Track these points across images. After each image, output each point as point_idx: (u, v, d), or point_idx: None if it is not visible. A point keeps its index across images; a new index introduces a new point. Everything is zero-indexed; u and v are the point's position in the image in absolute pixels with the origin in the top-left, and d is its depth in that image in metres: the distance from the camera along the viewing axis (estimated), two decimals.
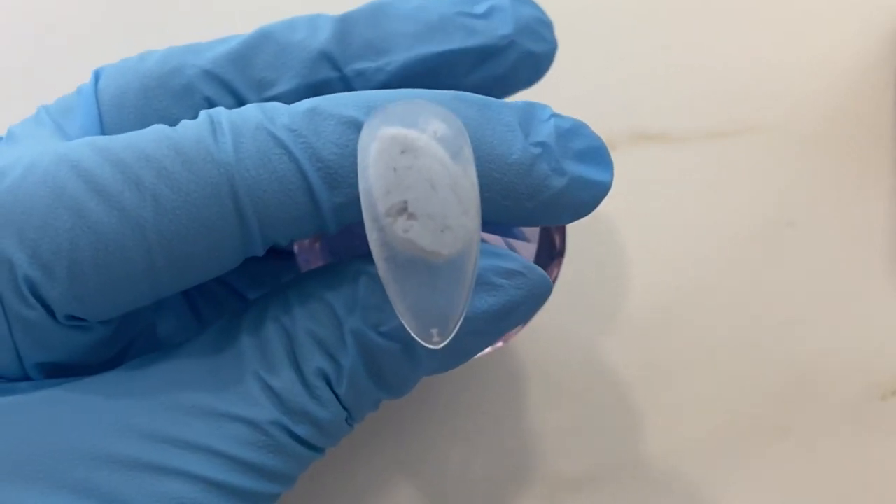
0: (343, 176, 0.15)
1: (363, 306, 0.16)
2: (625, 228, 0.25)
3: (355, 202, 0.15)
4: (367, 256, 0.16)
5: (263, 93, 0.18)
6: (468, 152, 0.15)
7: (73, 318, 0.15)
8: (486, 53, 0.19)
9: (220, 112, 0.15)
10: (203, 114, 0.15)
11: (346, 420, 0.16)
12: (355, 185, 0.15)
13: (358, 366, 0.16)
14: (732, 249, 0.25)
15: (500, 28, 0.19)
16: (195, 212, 0.15)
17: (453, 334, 0.15)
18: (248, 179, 0.15)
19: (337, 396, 0.16)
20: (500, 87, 0.19)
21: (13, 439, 0.15)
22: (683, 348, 0.24)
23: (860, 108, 0.26)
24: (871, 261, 0.25)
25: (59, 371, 0.16)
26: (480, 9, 0.19)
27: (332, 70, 0.18)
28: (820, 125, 0.26)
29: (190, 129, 0.15)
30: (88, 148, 0.15)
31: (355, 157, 0.15)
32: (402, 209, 0.14)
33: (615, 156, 0.26)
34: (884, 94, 0.26)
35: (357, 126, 0.15)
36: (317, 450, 0.16)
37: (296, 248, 0.20)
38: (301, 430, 0.16)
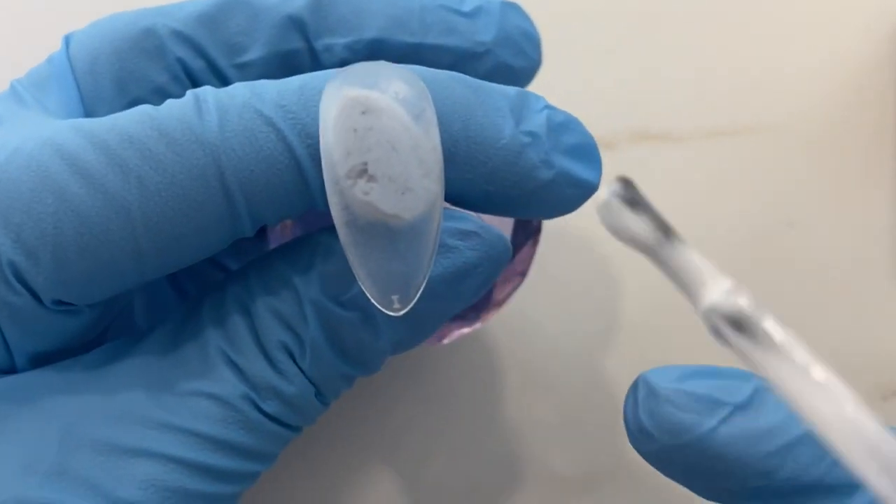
0: None
1: (321, 277, 0.16)
2: None
3: None
4: (330, 229, 0.16)
5: (235, 58, 0.17)
6: (430, 114, 0.14)
7: (60, 302, 0.15)
8: (459, 55, 0.18)
9: (207, 91, 0.15)
10: (189, 93, 0.15)
11: (316, 396, 0.16)
12: None
13: (319, 338, 0.16)
14: (732, 249, 0.25)
15: (480, 33, 0.18)
16: (181, 193, 0.14)
17: (414, 301, 0.15)
18: (235, 159, 0.14)
19: (302, 370, 0.16)
20: None
21: None
22: (682, 348, 0.24)
23: (861, 108, 0.26)
24: (871, 261, 0.25)
25: (50, 361, 0.16)
26: (467, 7, 0.18)
27: (301, 40, 0.17)
28: (820, 125, 0.26)
29: (174, 108, 0.15)
30: (72, 131, 0.15)
31: None
32: (363, 171, 0.14)
33: (615, 155, 0.26)
34: (885, 95, 0.26)
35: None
36: (290, 427, 0.16)
37: (268, 233, 0.20)
38: (269, 406, 0.16)
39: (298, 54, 0.18)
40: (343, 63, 0.17)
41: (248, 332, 0.16)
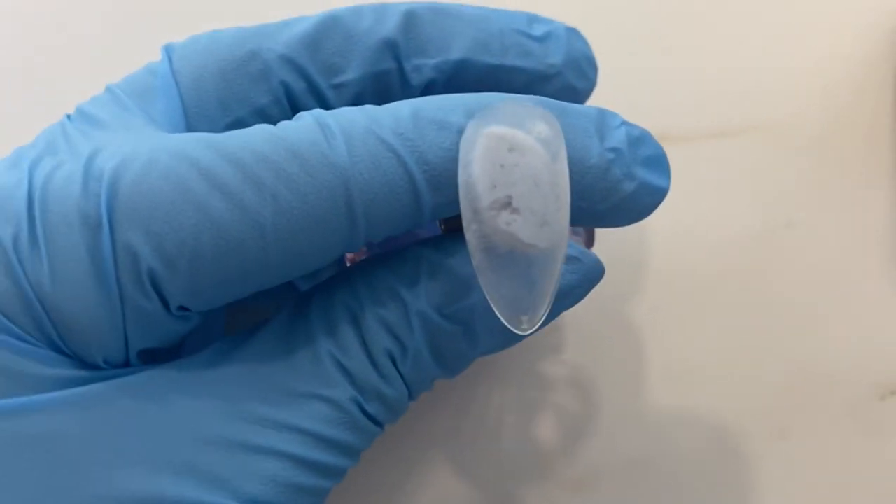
0: (446, 178, 0.16)
1: (427, 290, 0.17)
2: (624, 228, 0.25)
3: (453, 202, 0.16)
4: (424, 243, 0.17)
5: (332, 79, 0.18)
6: (564, 154, 0.15)
7: (182, 308, 0.16)
8: (532, 76, 0.19)
9: (325, 114, 0.16)
10: (307, 116, 0.16)
11: (408, 397, 0.17)
12: (454, 186, 0.16)
13: (422, 346, 0.17)
14: (732, 250, 0.25)
15: (551, 56, 0.20)
16: (310, 211, 0.15)
17: (542, 321, 0.16)
18: (362, 182, 0.15)
19: (401, 375, 0.17)
20: None
21: (118, 423, 0.16)
22: (682, 349, 0.24)
23: (860, 108, 0.26)
24: (870, 261, 0.25)
25: (154, 356, 0.17)
26: (538, 32, 0.20)
27: (393, 61, 0.18)
28: (819, 125, 0.26)
29: (302, 131, 0.16)
30: (202, 145, 0.15)
31: (456, 160, 0.16)
32: (507, 203, 0.15)
33: None
34: (884, 95, 0.26)
35: (458, 130, 0.16)
36: (381, 426, 0.17)
37: None
38: (371, 407, 0.17)
39: (390, 74, 0.19)
40: (431, 81, 0.19)
41: (356, 339, 0.17)
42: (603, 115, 0.17)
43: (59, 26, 0.26)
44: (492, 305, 0.15)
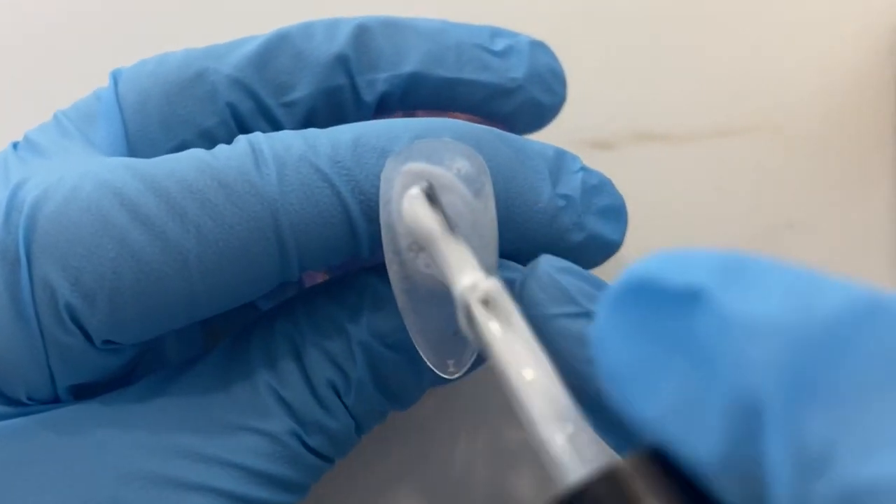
0: None
1: (370, 319, 0.16)
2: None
3: None
4: (369, 270, 0.17)
5: (282, 97, 0.18)
6: (489, 189, 0.15)
7: (108, 342, 0.15)
8: (492, 91, 0.19)
9: (261, 140, 0.16)
10: (243, 141, 0.16)
11: (355, 430, 0.17)
12: None
13: (365, 376, 0.16)
14: (733, 249, 0.25)
15: (512, 70, 0.19)
16: (238, 243, 0.15)
17: (468, 365, 0.15)
18: (292, 213, 0.15)
19: (346, 406, 0.16)
20: (499, 126, 0.20)
21: (43, 459, 0.15)
22: None
23: (861, 107, 0.26)
24: (872, 261, 0.25)
25: (86, 391, 0.16)
26: (498, 46, 0.19)
27: (345, 76, 0.18)
28: (820, 125, 0.26)
29: (232, 158, 0.15)
30: (129, 174, 0.15)
31: None
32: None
33: (615, 155, 0.26)
34: (884, 94, 0.26)
35: None
36: (327, 460, 0.17)
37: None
38: (313, 440, 0.16)
39: (342, 90, 0.18)
40: (385, 94, 0.18)
41: (297, 370, 0.16)
42: (562, 158, 0.17)
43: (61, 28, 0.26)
44: (417, 348, 0.15)
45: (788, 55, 0.27)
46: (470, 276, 0.13)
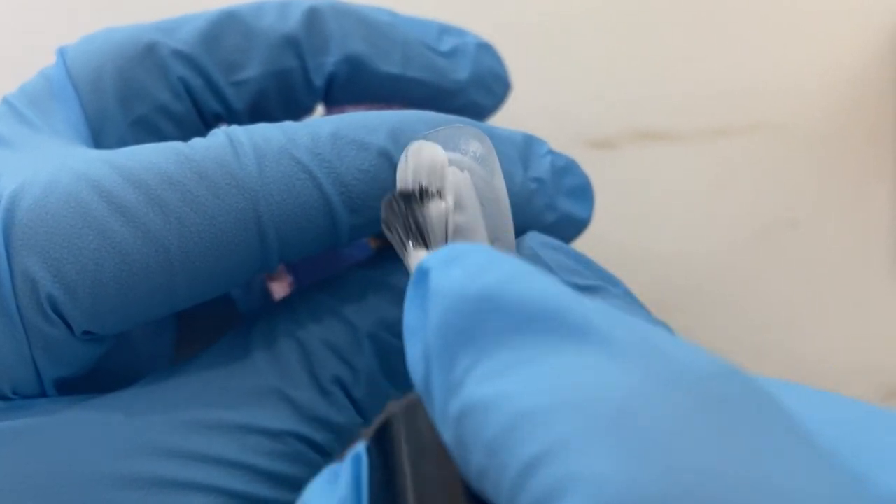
0: (363, 199, 0.16)
1: (375, 311, 0.16)
2: (626, 227, 0.25)
3: (372, 222, 0.15)
4: (361, 264, 0.17)
5: (232, 76, 0.18)
6: (498, 167, 0.15)
7: (88, 332, 0.15)
8: (435, 91, 0.19)
9: (239, 132, 0.16)
10: (221, 133, 0.16)
11: (362, 424, 0.17)
12: (374, 208, 0.15)
13: (374, 368, 0.16)
14: (733, 249, 0.25)
15: (456, 72, 0.19)
16: (218, 234, 0.15)
17: None
18: (273, 204, 0.15)
19: (353, 400, 0.16)
20: None
21: (34, 463, 0.15)
22: None
23: (862, 106, 0.26)
24: (873, 260, 0.25)
25: (71, 384, 0.16)
26: (445, 46, 0.19)
27: (296, 59, 0.18)
28: (821, 124, 0.26)
29: (211, 150, 0.15)
30: (107, 166, 0.15)
31: (375, 181, 0.15)
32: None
33: (615, 155, 0.26)
34: (885, 93, 0.26)
35: (378, 151, 0.16)
36: (330, 456, 0.17)
37: None
38: (319, 437, 0.16)
39: (292, 72, 0.18)
40: (331, 76, 0.18)
41: (302, 367, 0.16)
42: (529, 143, 0.17)
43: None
44: None
45: (789, 55, 0.27)
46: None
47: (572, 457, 0.09)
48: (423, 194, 0.14)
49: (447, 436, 0.10)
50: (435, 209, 0.14)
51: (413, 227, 0.14)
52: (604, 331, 0.10)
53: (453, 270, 0.11)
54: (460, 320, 0.11)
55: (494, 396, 0.10)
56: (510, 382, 0.10)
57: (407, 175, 0.15)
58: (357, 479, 0.12)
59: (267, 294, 0.21)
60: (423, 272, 0.12)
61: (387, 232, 0.14)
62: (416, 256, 0.14)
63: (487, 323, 0.10)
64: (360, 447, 0.12)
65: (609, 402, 0.09)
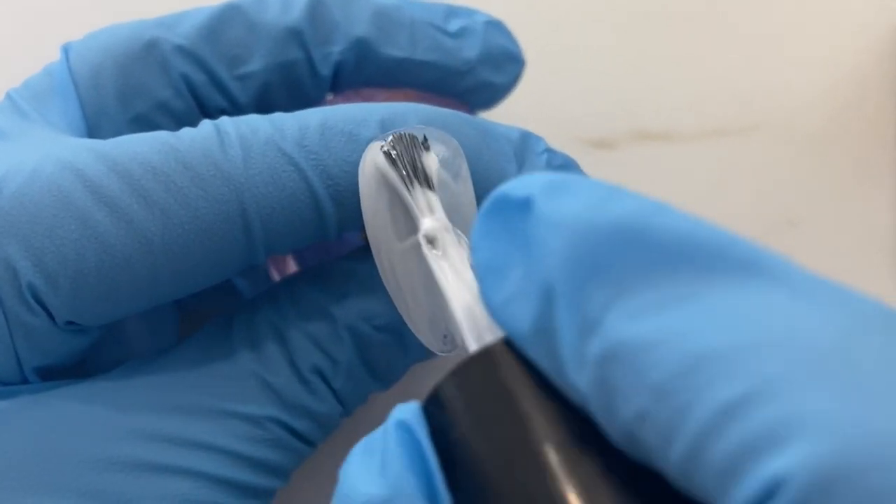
0: (351, 192, 0.15)
1: (357, 303, 0.16)
2: None
3: (360, 215, 0.15)
4: (348, 256, 0.17)
5: (235, 70, 0.18)
6: (465, 170, 0.15)
7: (71, 322, 0.15)
8: (445, 72, 0.19)
9: (226, 122, 0.15)
10: (208, 123, 0.15)
11: (341, 414, 0.17)
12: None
13: (354, 359, 0.16)
14: None
15: (465, 52, 0.19)
16: (202, 226, 0.15)
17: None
18: (258, 196, 0.15)
19: (333, 390, 0.16)
20: (452, 103, 0.20)
21: (18, 447, 0.15)
22: None
23: (862, 106, 0.26)
24: (873, 260, 0.25)
25: (55, 373, 0.16)
26: (453, 26, 0.19)
27: (300, 50, 0.18)
28: (821, 124, 0.26)
29: (197, 140, 0.15)
30: (90, 155, 0.15)
31: None
32: None
33: (615, 155, 0.26)
34: (885, 93, 0.26)
35: (367, 142, 0.15)
36: (312, 444, 0.17)
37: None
38: (299, 424, 0.16)
39: (297, 64, 0.18)
40: (339, 65, 0.18)
41: (282, 356, 0.16)
42: (526, 140, 0.17)
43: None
44: (411, 328, 0.15)
45: (789, 55, 0.27)
46: (428, 220, 0.14)
47: (793, 396, 0.08)
48: (425, 143, 0.14)
49: (583, 378, 0.10)
50: (433, 161, 0.14)
51: (420, 167, 0.14)
52: (778, 268, 0.10)
53: (567, 199, 0.10)
54: (593, 252, 0.10)
55: (659, 334, 0.09)
56: (676, 319, 0.09)
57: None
58: (412, 451, 0.11)
59: None
60: (521, 201, 0.11)
61: (390, 165, 0.14)
62: (422, 194, 0.14)
63: (628, 256, 0.10)
64: (397, 416, 0.11)
65: (819, 342, 0.09)
